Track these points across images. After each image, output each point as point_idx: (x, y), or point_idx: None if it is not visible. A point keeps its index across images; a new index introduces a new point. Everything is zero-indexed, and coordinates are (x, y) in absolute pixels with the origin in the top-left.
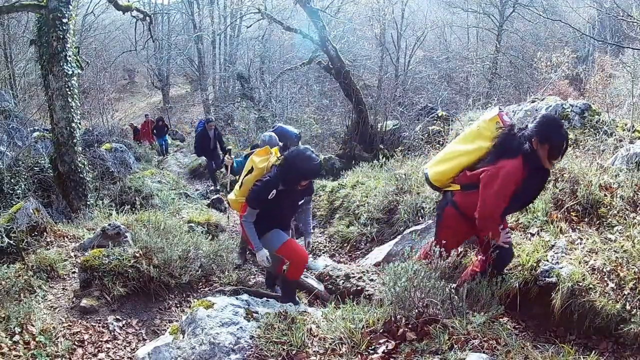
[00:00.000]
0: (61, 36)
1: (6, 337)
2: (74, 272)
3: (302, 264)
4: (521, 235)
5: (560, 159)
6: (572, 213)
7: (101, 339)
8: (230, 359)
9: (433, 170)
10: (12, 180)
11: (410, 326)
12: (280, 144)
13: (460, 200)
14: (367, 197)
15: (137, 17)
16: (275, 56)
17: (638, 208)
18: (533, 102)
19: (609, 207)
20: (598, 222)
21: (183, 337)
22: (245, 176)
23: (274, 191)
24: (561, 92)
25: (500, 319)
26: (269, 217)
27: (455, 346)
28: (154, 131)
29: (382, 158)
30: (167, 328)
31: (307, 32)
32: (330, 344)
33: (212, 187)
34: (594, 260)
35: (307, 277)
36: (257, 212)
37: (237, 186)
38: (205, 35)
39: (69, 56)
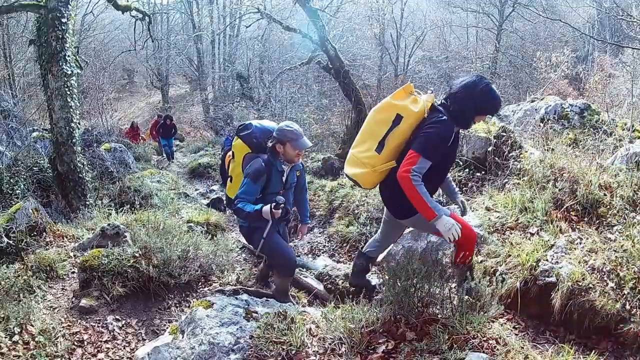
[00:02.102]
0: (60, 36)
1: (5, 337)
2: (73, 272)
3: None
4: (521, 234)
5: None
6: (571, 212)
7: (100, 339)
8: (229, 358)
9: None
10: (11, 180)
11: (410, 326)
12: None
13: None
14: (366, 196)
15: (136, 17)
16: (274, 56)
17: (638, 207)
18: (532, 101)
19: (608, 206)
20: (598, 221)
21: (182, 337)
22: (388, 131)
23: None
24: (561, 91)
25: (500, 319)
26: (428, 178)
27: (455, 346)
28: (160, 130)
29: None
30: (167, 328)
31: (306, 31)
32: (330, 344)
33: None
34: (594, 260)
35: (306, 277)
36: (429, 165)
37: (361, 149)
38: (204, 34)
39: (68, 56)
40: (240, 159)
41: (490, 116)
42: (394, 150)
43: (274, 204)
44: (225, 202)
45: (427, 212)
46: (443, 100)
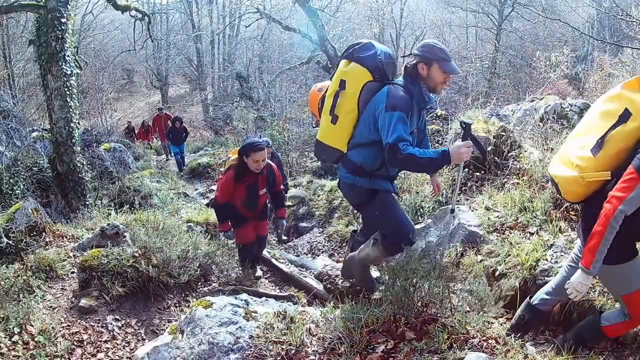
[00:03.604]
0: (60, 36)
1: (5, 338)
2: (72, 272)
3: None
4: (520, 234)
5: None
6: (571, 212)
7: (100, 339)
8: (229, 358)
9: None
10: (11, 181)
11: (409, 325)
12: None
13: None
14: None
15: (136, 17)
16: (274, 56)
17: None
18: (532, 101)
19: None
20: None
21: (182, 337)
22: (611, 128)
23: None
24: (560, 91)
25: (500, 319)
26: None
27: (455, 345)
28: (169, 135)
29: None
30: (166, 328)
31: (306, 31)
32: (330, 344)
33: None
34: None
35: (305, 277)
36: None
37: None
38: (204, 34)
39: (68, 56)
40: (357, 90)
41: None
42: (613, 157)
43: (464, 133)
44: (315, 152)
45: (587, 257)
46: None
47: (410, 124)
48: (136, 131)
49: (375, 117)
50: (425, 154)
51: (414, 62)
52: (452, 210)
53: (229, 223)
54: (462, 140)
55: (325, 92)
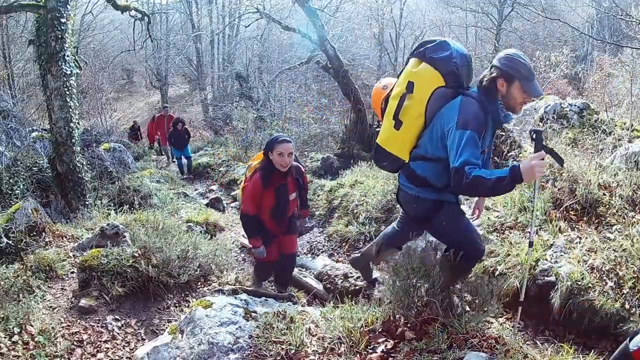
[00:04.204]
0: (59, 36)
1: (5, 338)
2: (72, 272)
3: None
4: (520, 234)
5: None
6: (571, 212)
7: (100, 339)
8: (229, 358)
9: None
10: (10, 181)
11: (409, 325)
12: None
13: None
14: (365, 196)
15: (136, 17)
16: (273, 55)
17: (637, 207)
18: (532, 101)
19: (607, 206)
20: (597, 221)
21: (182, 337)
22: None
23: None
24: (560, 91)
25: (499, 318)
26: None
27: (454, 345)
28: (171, 139)
29: None
30: (166, 328)
31: (305, 31)
32: (329, 344)
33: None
34: (593, 259)
35: (305, 277)
36: None
37: None
38: (203, 34)
39: (67, 56)
40: (426, 95)
41: None
42: None
43: (535, 143)
44: (375, 156)
45: None
46: None
47: (482, 143)
48: (142, 130)
49: (445, 133)
50: (493, 174)
51: (493, 75)
52: (531, 244)
53: (261, 238)
54: (535, 152)
55: (391, 90)
